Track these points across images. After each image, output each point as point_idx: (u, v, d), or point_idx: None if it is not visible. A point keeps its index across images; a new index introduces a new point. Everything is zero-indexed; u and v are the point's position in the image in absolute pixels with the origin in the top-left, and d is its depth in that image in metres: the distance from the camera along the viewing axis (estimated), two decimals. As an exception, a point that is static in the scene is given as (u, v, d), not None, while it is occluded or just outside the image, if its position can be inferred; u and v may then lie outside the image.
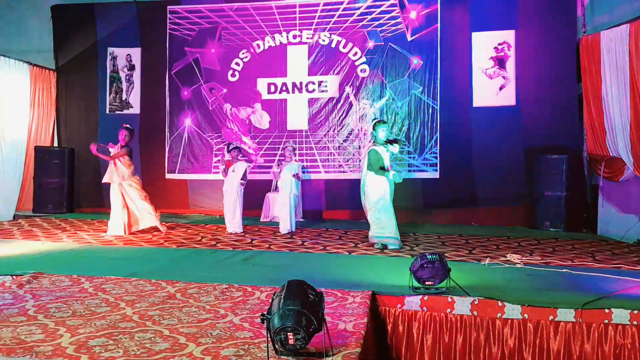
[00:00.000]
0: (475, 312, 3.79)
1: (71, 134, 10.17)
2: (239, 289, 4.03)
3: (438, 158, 8.83)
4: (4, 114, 8.90)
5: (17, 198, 9.16)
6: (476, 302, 3.79)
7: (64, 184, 9.42)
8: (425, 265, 3.95)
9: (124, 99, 10.10)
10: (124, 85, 10.10)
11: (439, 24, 8.88)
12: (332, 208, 9.19)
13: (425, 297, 3.86)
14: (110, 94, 10.10)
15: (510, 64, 8.61)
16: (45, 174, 9.29)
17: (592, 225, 7.85)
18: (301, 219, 8.61)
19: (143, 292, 3.89)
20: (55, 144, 10.13)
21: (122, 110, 10.04)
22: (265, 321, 2.61)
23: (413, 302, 3.87)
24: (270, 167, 9.28)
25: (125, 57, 10.08)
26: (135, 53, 10.05)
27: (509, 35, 8.61)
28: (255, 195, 9.13)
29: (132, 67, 10.08)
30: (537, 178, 8.00)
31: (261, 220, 8.70)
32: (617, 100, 6.88)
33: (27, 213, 9.13)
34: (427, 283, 3.97)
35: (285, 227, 7.32)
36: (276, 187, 8.21)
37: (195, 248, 6.13)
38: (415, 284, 4.00)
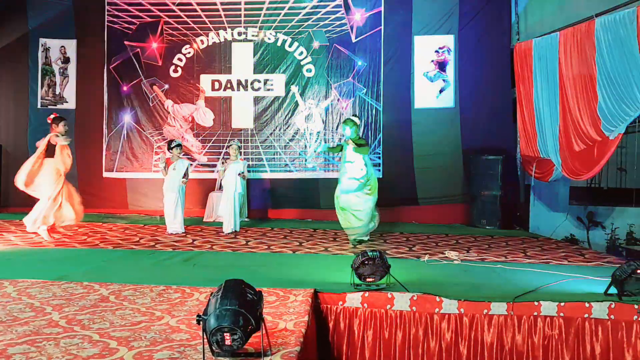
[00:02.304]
0: (414, 308, 3.88)
1: (-2, 130, 9.51)
2: (177, 290, 3.90)
3: (381, 158, 8.98)
4: None
5: None
6: (415, 298, 3.88)
7: (-11, 183, 8.81)
8: (366, 262, 4.00)
9: (57, 93, 9.56)
10: (58, 78, 9.56)
11: (382, 27, 9.03)
12: (278, 207, 9.13)
13: (366, 294, 3.91)
14: (42, 88, 9.53)
15: (450, 68, 8.89)
16: (-33, 172, 8.63)
17: (525, 223, 8.26)
18: (246, 219, 8.48)
19: (73, 296, 3.69)
20: (-20, 140, 9.44)
21: (55, 105, 9.49)
22: (201, 322, 2.53)
23: (354, 299, 3.90)
24: (214, 165, 9.11)
25: (59, 49, 9.54)
26: (70, 45, 9.53)
27: (449, 40, 8.89)
28: (198, 194, 8.94)
29: (66, 60, 9.56)
30: (474, 178, 8.29)
31: (204, 220, 8.49)
32: (547, 104, 7.26)
33: (-53, 214, 8.46)
34: (368, 280, 4.02)
35: (229, 226, 7.19)
36: (220, 186, 8.05)
37: (132, 249, 5.89)
38: (357, 280, 4.05)
